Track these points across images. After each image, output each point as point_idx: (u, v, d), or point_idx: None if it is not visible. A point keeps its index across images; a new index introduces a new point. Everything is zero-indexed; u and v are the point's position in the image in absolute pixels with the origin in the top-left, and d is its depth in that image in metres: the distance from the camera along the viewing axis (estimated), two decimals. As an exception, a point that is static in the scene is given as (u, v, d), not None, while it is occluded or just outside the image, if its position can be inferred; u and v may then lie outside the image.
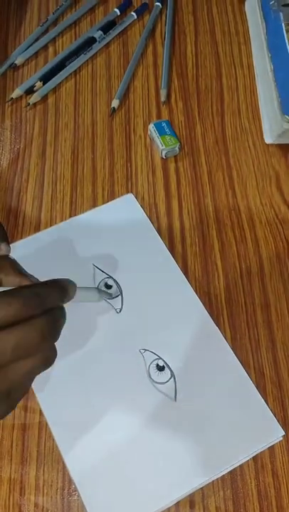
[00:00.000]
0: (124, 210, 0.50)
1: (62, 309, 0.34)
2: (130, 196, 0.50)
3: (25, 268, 0.44)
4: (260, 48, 0.58)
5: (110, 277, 0.45)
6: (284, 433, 0.39)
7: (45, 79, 0.58)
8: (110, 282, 0.45)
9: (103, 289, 0.45)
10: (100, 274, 0.46)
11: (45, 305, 0.32)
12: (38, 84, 0.57)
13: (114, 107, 0.56)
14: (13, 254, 0.46)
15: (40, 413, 0.41)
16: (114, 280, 0.45)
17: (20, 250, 0.47)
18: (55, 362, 0.42)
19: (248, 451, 0.39)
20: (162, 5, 0.63)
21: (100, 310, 0.44)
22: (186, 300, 0.45)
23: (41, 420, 0.40)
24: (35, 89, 0.57)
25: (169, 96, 0.57)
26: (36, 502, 0.38)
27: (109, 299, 0.45)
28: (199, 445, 0.39)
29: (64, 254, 0.47)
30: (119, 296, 0.45)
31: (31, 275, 0.36)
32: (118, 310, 0.44)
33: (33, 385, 0.41)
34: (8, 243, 0.42)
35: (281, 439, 0.40)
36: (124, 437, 0.39)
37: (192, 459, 0.39)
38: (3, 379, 0.29)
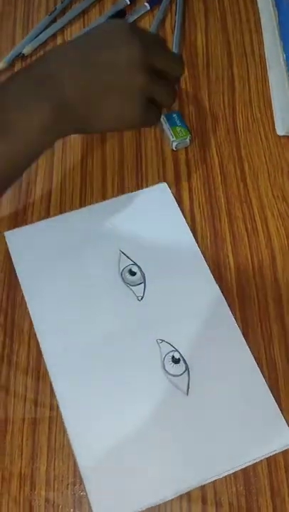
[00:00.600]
0: (157, 199, 0.49)
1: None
2: (164, 185, 0.50)
3: (51, 247, 0.47)
4: (272, 36, 0.57)
5: (135, 264, 0.45)
6: None
7: None
8: (134, 269, 0.45)
9: (127, 275, 0.45)
10: (126, 260, 0.45)
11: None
12: None
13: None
14: (40, 232, 0.47)
15: (51, 408, 0.40)
16: (139, 267, 0.45)
17: (48, 229, 0.48)
18: (71, 344, 0.42)
19: (256, 454, 0.38)
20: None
21: (122, 296, 0.44)
22: (210, 296, 0.44)
23: (52, 415, 0.40)
24: None
25: (179, 86, 0.56)
26: (47, 497, 0.38)
27: (131, 285, 0.45)
28: (207, 443, 0.39)
29: (93, 237, 0.47)
30: (142, 284, 0.44)
31: None
32: (139, 298, 0.44)
33: (48, 367, 0.41)
34: None
35: None
36: (132, 427, 0.39)
37: (199, 456, 0.38)
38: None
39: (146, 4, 0.61)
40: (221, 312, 0.44)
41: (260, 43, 0.59)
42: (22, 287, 0.45)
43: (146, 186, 0.50)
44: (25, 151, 0.40)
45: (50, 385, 0.41)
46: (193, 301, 0.44)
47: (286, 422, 0.39)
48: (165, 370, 0.41)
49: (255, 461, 0.38)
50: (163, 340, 0.42)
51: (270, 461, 0.39)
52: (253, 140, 0.53)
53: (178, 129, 0.52)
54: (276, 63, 0.55)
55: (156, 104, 0.46)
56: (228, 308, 0.44)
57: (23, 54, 0.58)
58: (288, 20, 0.55)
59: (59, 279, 0.45)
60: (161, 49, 0.47)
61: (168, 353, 0.42)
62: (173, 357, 0.41)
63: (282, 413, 0.40)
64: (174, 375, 0.41)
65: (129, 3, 0.62)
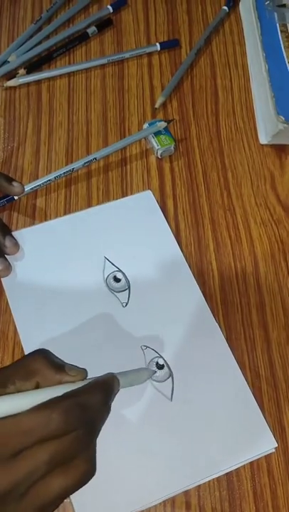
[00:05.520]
0: (142, 206, 0.50)
1: (105, 413, 0.33)
2: (148, 193, 0.50)
3: (36, 254, 0.46)
4: (255, 48, 0.58)
5: (120, 271, 0.46)
6: (276, 445, 0.39)
7: (30, 68, 0.58)
8: (119, 276, 0.45)
9: (111, 281, 0.45)
10: (110, 267, 0.46)
11: (86, 417, 0.30)
12: (22, 71, 0.57)
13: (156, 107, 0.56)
14: (25, 240, 0.47)
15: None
16: (124, 274, 0.45)
17: (33, 236, 0.48)
18: (56, 351, 0.41)
19: (240, 459, 0.39)
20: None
21: (106, 303, 0.44)
22: (194, 303, 0.45)
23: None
24: (17, 76, 0.57)
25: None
26: (31, 504, 0.38)
27: (116, 292, 0.45)
28: (190, 448, 0.39)
29: (77, 243, 0.47)
30: (127, 291, 0.45)
31: (70, 366, 0.34)
32: (124, 304, 0.44)
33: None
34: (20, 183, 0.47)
35: (273, 450, 0.39)
36: (116, 432, 0.39)
37: (183, 461, 0.38)
38: (34, 496, 0.28)
39: (109, 7, 0.63)
40: (204, 318, 0.44)
41: (243, 54, 0.61)
42: (6, 294, 0.45)
43: (131, 193, 0.51)
44: None
45: (35, 391, 0.41)
46: (177, 308, 0.44)
47: (269, 426, 0.40)
48: (149, 376, 0.41)
49: (238, 466, 0.39)
50: (147, 347, 0.42)
51: (253, 465, 0.39)
52: (236, 149, 0.54)
53: (162, 137, 0.52)
54: (259, 74, 0.56)
55: None
56: (211, 314, 0.44)
57: (8, 62, 0.59)
58: (270, 32, 0.56)
59: (44, 285, 0.45)
60: None
61: (152, 359, 0.42)
62: (157, 363, 0.42)
63: (265, 418, 0.40)
64: (158, 381, 0.41)
65: (112, 11, 0.63)
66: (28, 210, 0.50)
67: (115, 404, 0.40)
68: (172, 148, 0.52)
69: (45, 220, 0.49)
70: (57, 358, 0.35)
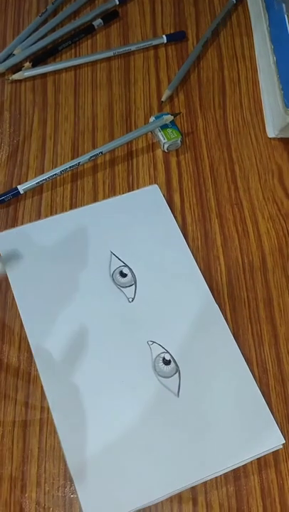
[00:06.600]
0: (148, 201, 0.49)
1: None
2: (155, 187, 0.50)
3: (42, 249, 0.46)
4: (263, 39, 0.57)
5: (126, 266, 0.45)
6: (284, 441, 0.39)
7: (36, 62, 0.58)
8: (125, 271, 0.45)
9: (117, 276, 0.44)
10: (117, 262, 0.45)
11: None
12: (27, 65, 0.57)
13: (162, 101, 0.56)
14: (31, 234, 0.47)
15: (42, 410, 0.40)
16: (130, 269, 0.45)
17: (38, 231, 0.47)
18: (62, 345, 0.41)
19: (247, 455, 0.38)
20: None
21: (113, 298, 0.44)
22: (200, 298, 0.44)
23: (42, 417, 0.40)
24: (23, 69, 0.57)
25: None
26: (38, 500, 0.38)
27: (122, 287, 0.44)
28: (196, 444, 0.39)
29: (84, 238, 0.47)
30: (133, 286, 0.44)
31: None
32: (130, 299, 0.44)
33: (38, 367, 0.41)
34: None
35: (281, 447, 0.39)
36: (123, 429, 0.39)
37: (189, 457, 0.38)
38: None
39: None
40: (211, 313, 0.44)
41: (251, 46, 0.60)
42: (12, 289, 0.45)
43: (138, 188, 0.50)
44: None
45: (41, 387, 0.41)
46: (183, 303, 0.44)
47: (276, 422, 0.40)
48: (156, 371, 0.41)
49: (245, 462, 0.39)
50: (154, 342, 0.42)
51: (261, 461, 0.39)
52: (243, 142, 0.53)
53: (169, 130, 0.52)
54: (266, 66, 0.55)
55: None
56: (218, 309, 0.44)
57: (14, 55, 0.58)
58: (278, 23, 0.56)
59: (50, 281, 0.45)
60: None
61: (159, 354, 0.42)
62: (164, 358, 0.42)
63: (272, 414, 0.40)
64: (164, 377, 0.41)
65: (118, 3, 0.62)
66: (34, 205, 0.49)
67: (122, 400, 0.40)
68: (179, 141, 0.52)
69: (51, 214, 0.49)
70: None
